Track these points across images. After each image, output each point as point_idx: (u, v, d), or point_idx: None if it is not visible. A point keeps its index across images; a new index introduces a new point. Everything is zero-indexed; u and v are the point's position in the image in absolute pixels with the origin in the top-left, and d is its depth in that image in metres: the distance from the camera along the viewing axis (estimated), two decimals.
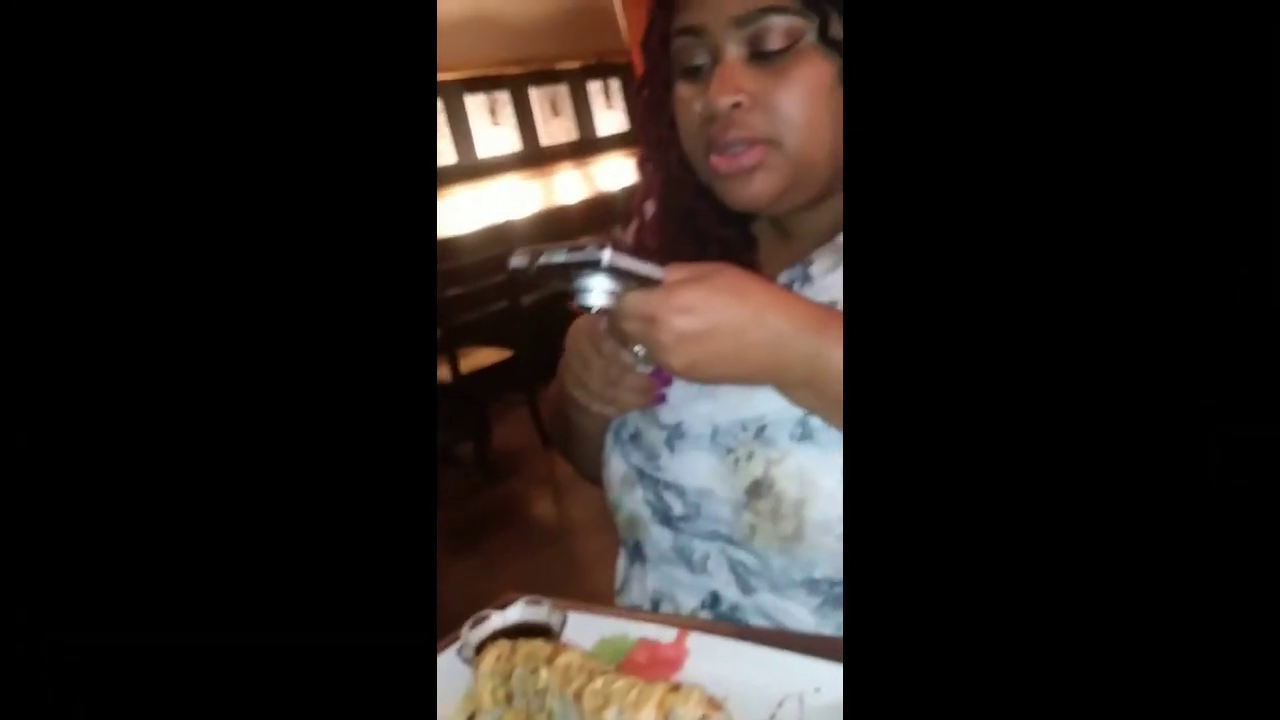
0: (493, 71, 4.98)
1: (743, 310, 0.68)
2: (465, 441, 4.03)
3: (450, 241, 3.91)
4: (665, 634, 0.74)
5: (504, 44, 5.07)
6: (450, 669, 0.75)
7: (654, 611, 0.90)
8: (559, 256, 0.67)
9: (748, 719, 0.63)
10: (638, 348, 0.74)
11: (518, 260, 0.70)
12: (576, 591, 0.90)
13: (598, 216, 5.20)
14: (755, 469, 0.79)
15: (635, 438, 0.90)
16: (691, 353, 0.69)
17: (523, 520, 3.68)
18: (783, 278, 0.86)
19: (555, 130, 5.44)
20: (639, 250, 0.68)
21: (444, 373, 3.66)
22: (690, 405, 0.84)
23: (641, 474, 0.88)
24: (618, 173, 5.57)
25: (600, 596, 0.93)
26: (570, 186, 5.46)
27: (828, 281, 0.82)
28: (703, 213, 0.91)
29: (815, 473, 0.76)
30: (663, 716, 0.58)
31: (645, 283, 0.68)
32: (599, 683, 0.62)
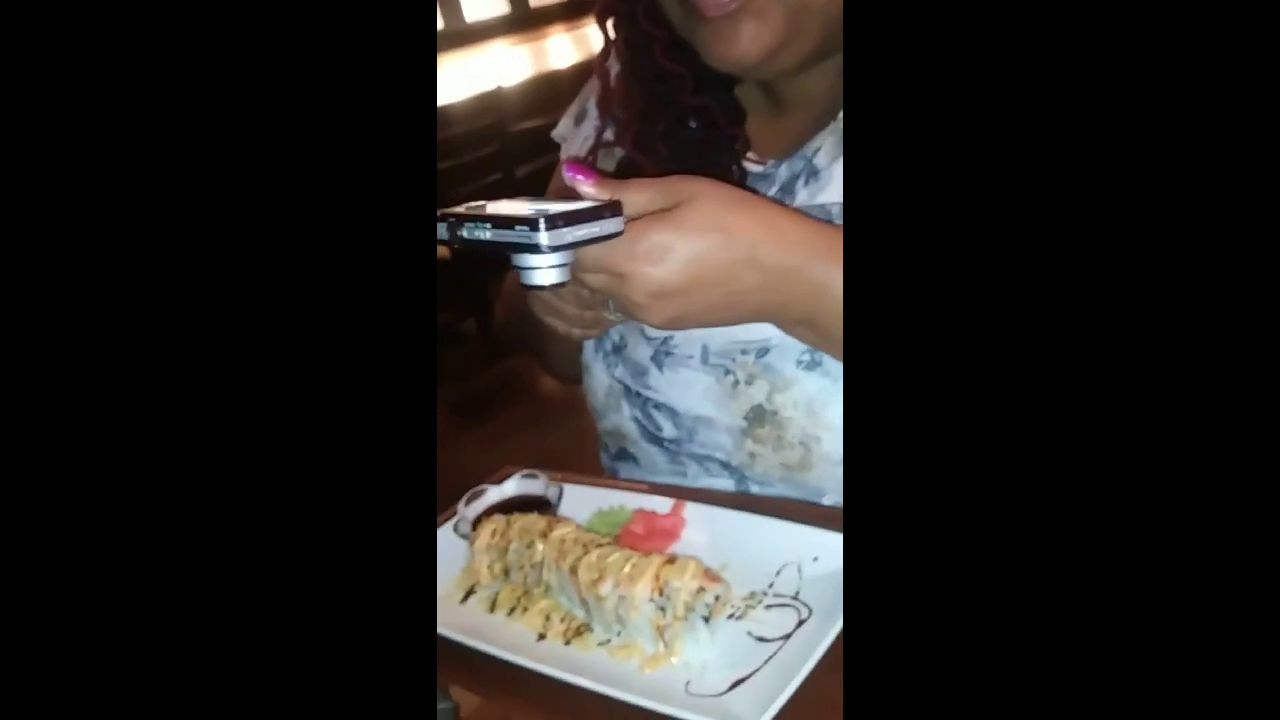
0: None
1: (730, 251, 0.57)
2: (468, 318, 4.01)
3: (440, 111, 3.78)
4: (662, 505, 0.73)
5: None
6: (447, 545, 0.75)
7: None
8: (483, 234, 0.55)
9: (745, 588, 0.63)
10: (609, 302, 0.63)
11: (441, 230, 0.58)
12: (580, 465, 0.89)
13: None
14: (756, 394, 0.72)
15: (619, 349, 0.82)
16: (671, 308, 0.58)
17: (526, 396, 3.70)
18: (783, 171, 0.76)
19: None
20: (564, 217, 0.54)
21: (443, 250, 3.60)
22: None
23: (628, 390, 0.81)
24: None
25: (603, 468, 0.92)
26: (562, 50, 5.25)
27: (835, 172, 0.72)
28: (674, 76, 0.77)
29: (824, 403, 0.69)
30: (659, 589, 0.58)
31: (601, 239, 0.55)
32: (594, 555, 0.62)
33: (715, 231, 0.57)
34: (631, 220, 0.57)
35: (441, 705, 0.56)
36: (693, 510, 0.72)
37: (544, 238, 0.53)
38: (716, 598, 0.58)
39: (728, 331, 0.71)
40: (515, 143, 3.92)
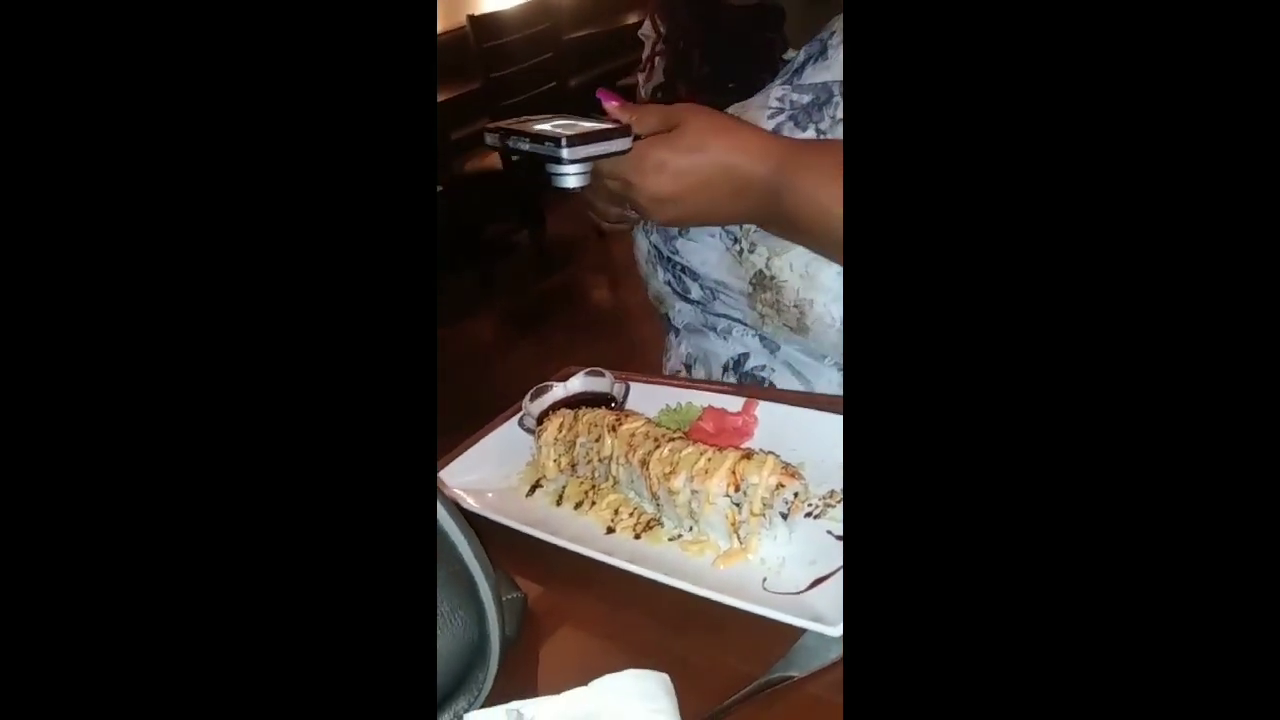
0: None
1: (706, 164, 0.69)
2: (521, 230, 3.99)
3: (493, 18, 3.69)
4: (732, 403, 0.71)
5: None
6: (512, 438, 0.74)
7: (688, 375, 0.90)
8: (523, 145, 0.70)
9: (823, 486, 0.60)
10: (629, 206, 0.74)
11: (491, 138, 0.73)
12: (635, 370, 0.89)
13: None
14: (758, 260, 0.79)
15: None
16: (670, 211, 0.71)
17: (579, 306, 3.69)
18: (801, 55, 0.80)
19: None
20: (583, 137, 0.67)
21: (494, 160, 3.55)
22: None
23: (660, 254, 0.89)
24: None
25: (657, 376, 0.92)
26: None
27: (839, 52, 0.76)
28: (742, 19, 0.83)
29: (815, 266, 0.75)
30: (735, 484, 0.55)
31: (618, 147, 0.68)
32: (666, 450, 0.59)
33: (698, 151, 0.69)
34: (639, 139, 0.69)
35: (509, 596, 0.55)
36: (765, 409, 0.69)
37: (565, 152, 0.67)
38: (795, 494, 0.56)
39: None
40: (570, 50, 3.82)
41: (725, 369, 0.87)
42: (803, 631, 0.49)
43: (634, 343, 3.05)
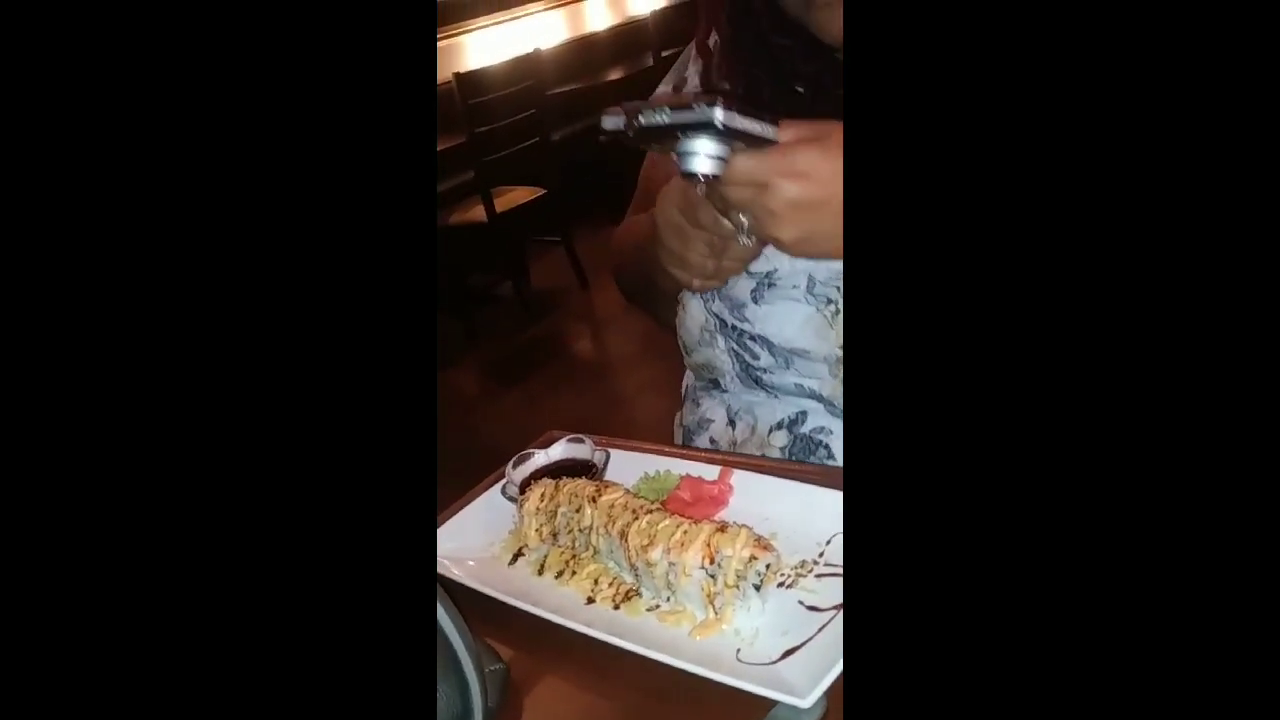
0: None
1: None
2: (504, 281, 4.02)
3: (478, 75, 3.76)
4: (709, 471, 0.73)
5: None
6: (495, 507, 0.76)
7: (730, 428, 0.89)
8: (662, 116, 0.60)
9: (795, 556, 0.62)
10: (742, 216, 0.66)
11: (612, 121, 0.63)
12: (618, 423, 0.91)
13: (628, 44, 4.95)
14: None
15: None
16: (804, 224, 0.62)
17: (563, 356, 3.71)
18: None
19: None
20: (739, 104, 0.59)
21: (479, 212, 3.60)
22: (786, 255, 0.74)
23: (724, 324, 0.84)
24: None
25: (641, 429, 0.93)
26: (598, 13, 5.19)
27: None
28: (782, 47, 0.79)
29: None
30: (710, 556, 0.58)
31: (756, 144, 0.60)
32: (644, 521, 0.62)
33: None
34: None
35: (492, 667, 0.57)
36: (740, 477, 0.72)
37: (719, 114, 0.57)
38: (768, 566, 0.58)
39: (833, 263, 0.75)
40: (552, 106, 3.90)
41: (778, 426, 0.84)
42: (775, 702, 0.51)
43: (616, 394, 3.08)
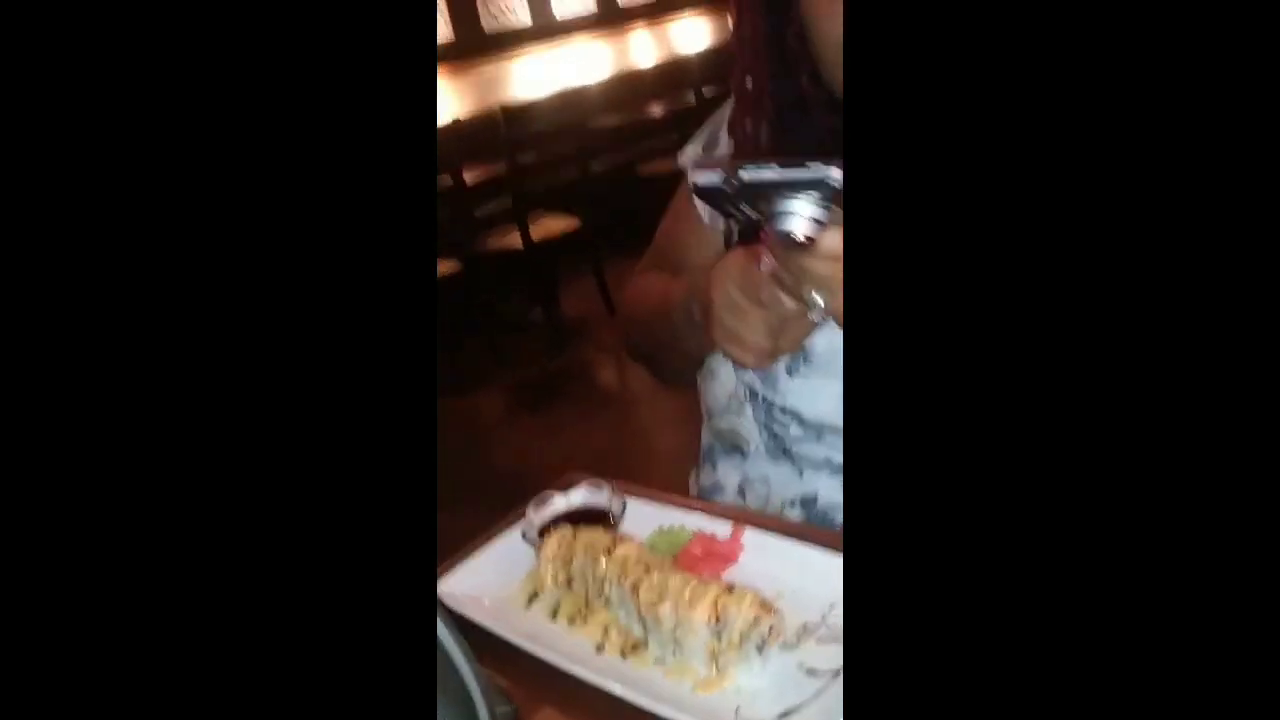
0: None
1: None
2: (535, 307, 4.07)
3: (523, 107, 3.84)
4: (721, 528, 0.76)
5: None
6: (514, 549, 0.78)
7: (740, 497, 0.90)
8: (769, 173, 0.57)
9: (799, 619, 0.64)
10: (817, 294, 0.63)
11: (707, 177, 0.60)
12: (638, 454, 0.92)
13: (671, 81, 5.03)
14: None
15: None
16: None
17: (588, 386, 3.75)
18: None
19: None
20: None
21: (515, 240, 3.66)
22: (826, 334, 0.75)
23: (754, 394, 0.84)
24: (693, 34, 5.34)
25: (661, 463, 0.94)
26: (644, 48, 5.27)
27: None
28: (818, 100, 0.79)
29: None
30: (715, 616, 0.60)
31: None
32: (655, 577, 0.64)
33: None
34: None
35: (502, 709, 0.59)
36: (752, 536, 0.74)
37: (836, 174, 0.56)
38: (770, 628, 0.60)
39: None
40: (593, 139, 3.97)
41: (791, 504, 0.84)
42: None
43: (637, 426, 3.11)
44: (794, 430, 0.83)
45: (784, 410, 0.83)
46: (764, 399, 0.84)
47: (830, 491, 0.83)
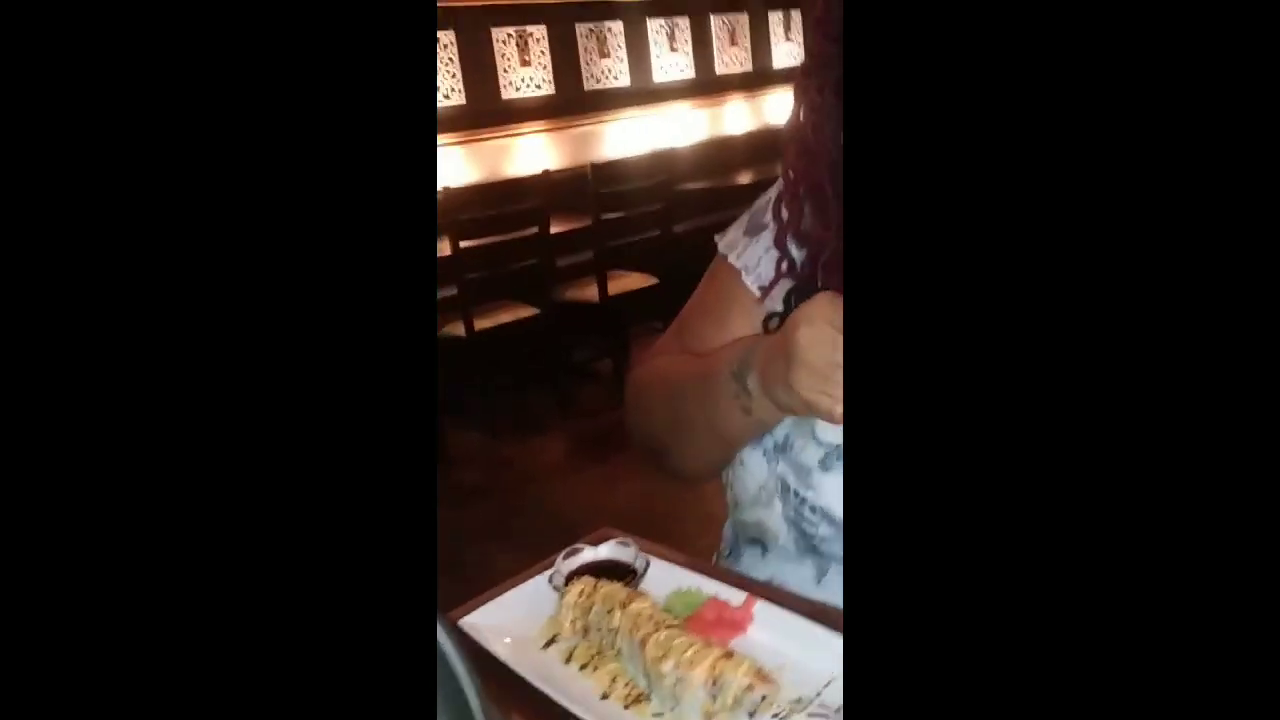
0: None
1: None
2: (604, 359, 4.16)
3: (616, 165, 3.98)
4: (736, 596, 0.79)
5: None
6: (541, 592, 0.84)
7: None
8: None
9: (794, 691, 0.68)
10: None
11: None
12: (684, 520, 0.93)
13: (762, 148, 5.14)
14: None
15: (783, 449, 0.84)
16: None
17: None
18: None
19: (730, 59, 5.38)
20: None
21: (592, 292, 3.77)
22: None
23: (785, 488, 0.83)
24: (784, 107, 5.46)
25: (706, 525, 0.93)
26: (738, 117, 5.41)
27: None
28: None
29: None
30: (713, 678, 0.64)
31: None
32: (663, 635, 0.69)
33: None
34: None
35: None
36: (762, 608, 0.78)
37: None
38: (764, 697, 0.64)
39: None
40: (680, 201, 4.07)
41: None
42: None
43: (687, 491, 3.12)
44: (823, 529, 0.83)
45: (814, 509, 0.82)
46: (795, 493, 0.83)
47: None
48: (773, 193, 0.91)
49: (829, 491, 0.81)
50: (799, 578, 0.87)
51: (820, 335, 0.65)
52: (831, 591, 0.85)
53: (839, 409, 0.65)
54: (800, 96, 0.84)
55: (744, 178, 4.78)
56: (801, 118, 0.84)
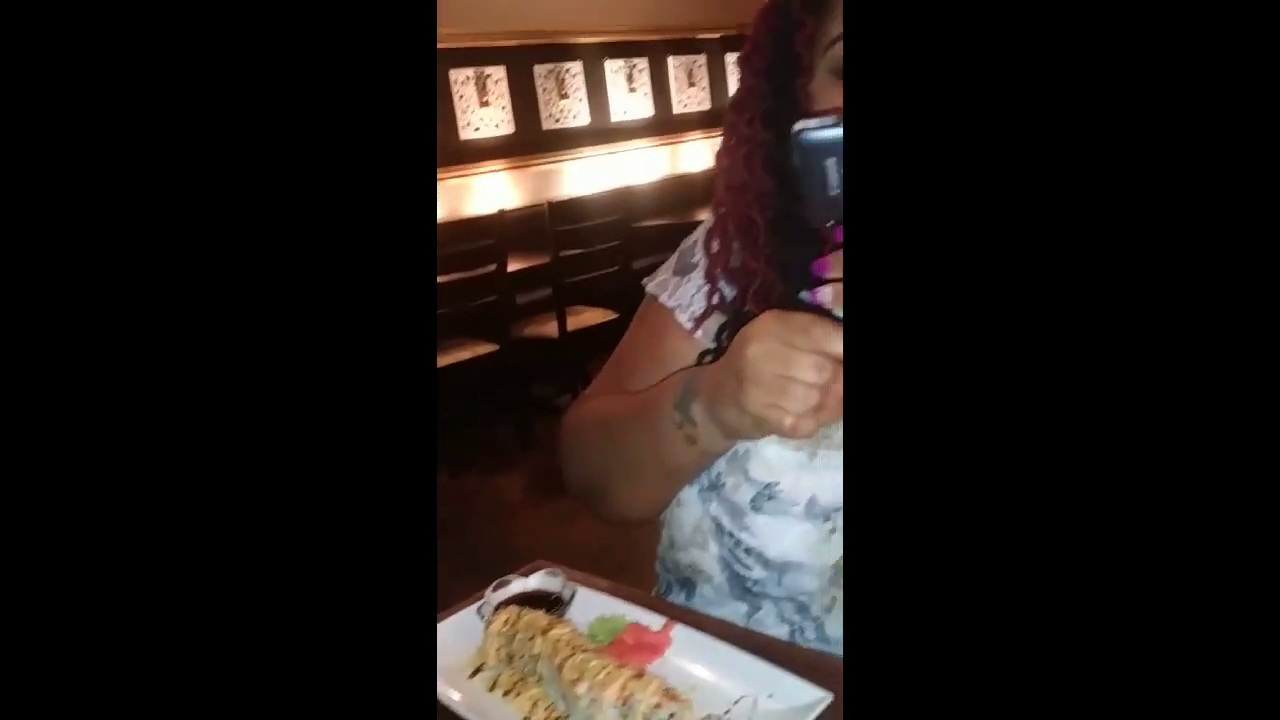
0: (634, 37, 5.06)
1: None
2: (564, 395, 4.19)
3: (574, 203, 4.04)
4: (655, 621, 0.83)
5: (646, 10, 5.13)
6: (469, 624, 0.86)
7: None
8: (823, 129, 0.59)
9: (704, 710, 0.71)
10: None
11: (827, 129, 0.61)
12: (647, 550, 0.95)
13: None
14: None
15: (716, 487, 0.86)
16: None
17: None
18: None
19: (688, 99, 5.49)
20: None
21: (552, 328, 3.81)
22: (791, 471, 0.80)
23: (720, 529, 0.85)
24: None
25: (650, 574, 0.96)
26: (696, 155, 5.51)
27: None
28: (788, 231, 0.79)
29: None
30: (623, 698, 0.67)
31: None
32: (578, 658, 0.72)
33: None
34: None
35: None
36: (680, 632, 0.81)
37: None
38: (672, 715, 0.67)
39: (835, 488, 0.78)
40: (638, 238, 4.14)
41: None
42: None
43: (644, 528, 3.15)
44: (756, 571, 0.84)
45: (748, 550, 0.84)
46: (730, 534, 0.84)
47: (775, 629, 0.85)
48: (699, 233, 0.93)
49: (760, 531, 0.82)
50: (730, 617, 0.88)
51: (769, 351, 0.64)
52: (760, 629, 0.87)
53: (790, 421, 0.63)
54: (730, 130, 0.86)
55: (703, 214, 4.79)
56: (732, 148, 0.85)
